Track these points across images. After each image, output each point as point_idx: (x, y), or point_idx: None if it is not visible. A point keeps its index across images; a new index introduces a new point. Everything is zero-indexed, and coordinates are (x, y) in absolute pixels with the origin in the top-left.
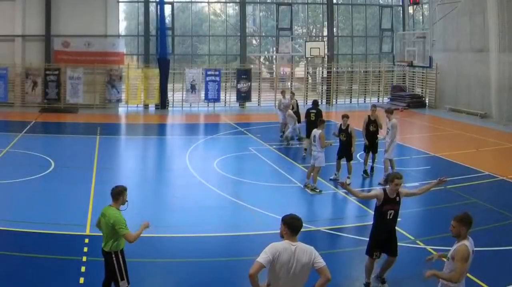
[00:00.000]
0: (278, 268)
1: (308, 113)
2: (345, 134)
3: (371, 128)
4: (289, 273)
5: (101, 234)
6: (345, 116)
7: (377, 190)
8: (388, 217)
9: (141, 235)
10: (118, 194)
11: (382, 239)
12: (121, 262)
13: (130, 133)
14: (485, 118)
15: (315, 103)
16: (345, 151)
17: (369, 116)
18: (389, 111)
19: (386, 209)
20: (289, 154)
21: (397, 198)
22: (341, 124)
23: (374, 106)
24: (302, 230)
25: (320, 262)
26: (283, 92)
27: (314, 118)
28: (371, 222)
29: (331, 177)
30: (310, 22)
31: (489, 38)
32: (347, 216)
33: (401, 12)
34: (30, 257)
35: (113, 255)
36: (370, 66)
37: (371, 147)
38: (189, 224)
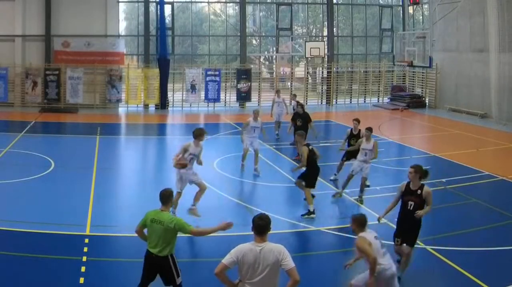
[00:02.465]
0: (245, 268)
1: (294, 118)
2: (356, 140)
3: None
4: (256, 273)
5: (101, 234)
6: (356, 121)
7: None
8: (408, 208)
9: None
10: (169, 197)
11: (403, 228)
12: (176, 261)
13: (130, 133)
14: (485, 118)
15: (301, 106)
16: (353, 156)
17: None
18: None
19: (407, 200)
20: (289, 153)
21: (419, 191)
22: (352, 129)
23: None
24: (302, 230)
25: (288, 263)
26: (277, 92)
27: (301, 124)
28: (372, 222)
29: (331, 178)
30: (310, 22)
31: (489, 38)
32: (347, 216)
33: (401, 12)
34: (30, 257)
35: (170, 258)
36: (370, 66)
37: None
38: (189, 224)
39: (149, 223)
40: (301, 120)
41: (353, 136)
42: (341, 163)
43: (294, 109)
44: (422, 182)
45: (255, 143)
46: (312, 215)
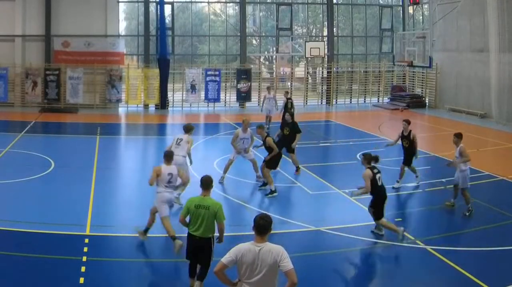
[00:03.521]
0: (244, 268)
1: (282, 127)
2: (408, 141)
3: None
4: (254, 273)
5: (101, 234)
6: (406, 121)
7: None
8: None
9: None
10: (210, 183)
11: None
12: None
13: (130, 133)
14: (485, 118)
15: (291, 114)
16: (409, 157)
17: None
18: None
19: None
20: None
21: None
22: (403, 131)
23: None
24: (302, 229)
25: (286, 265)
26: (268, 88)
27: (289, 133)
28: (372, 222)
29: (394, 186)
30: (310, 22)
31: (489, 38)
32: (347, 216)
33: (401, 12)
34: (30, 257)
35: (212, 239)
36: (370, 66)
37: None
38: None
39: (193, 208)
40: (288, 129)
41: (404, 138)
42: (402, 169)
43: (282, 106)
44: (373, 166)
45: (249, 155)
46: (274, 194)
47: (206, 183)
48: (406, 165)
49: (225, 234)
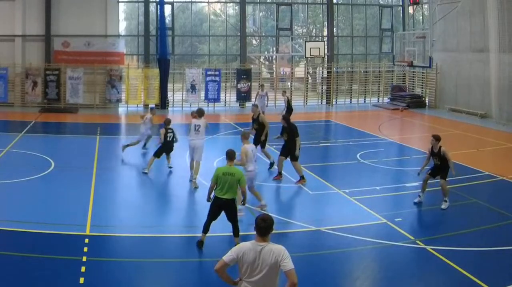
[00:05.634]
0: (245, 267)
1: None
2: (439, 158)
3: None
4: (255, 273)
5: (101, 234)
6: (435, 138)
7: None
8: None
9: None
10: (234, 155)
11: None
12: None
13: (130, 133)
14: (485, 118)
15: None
16: (439, 173)
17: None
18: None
19: None
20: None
21: None
22: (432, 147)
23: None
24: (301, 229)
25: (287, 265)
26: (262, 86)
27: (287, 137)
28: (372, 222)
29: (415, 201)
30: (310, 22)
31: (489, 38)
32: (347, 216)
33: (401, 12)
34: (30, 257)
35: (235, 200)
36: (370, 66)
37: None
38: (189, 224)
39: (221, 175)
40: (286, 134)
41: (434, 155)
42: (425, 181)
43: (285, 105)
44: None
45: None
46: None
47: (231, 155)
48: (432, 176)
49: (226, 234)
